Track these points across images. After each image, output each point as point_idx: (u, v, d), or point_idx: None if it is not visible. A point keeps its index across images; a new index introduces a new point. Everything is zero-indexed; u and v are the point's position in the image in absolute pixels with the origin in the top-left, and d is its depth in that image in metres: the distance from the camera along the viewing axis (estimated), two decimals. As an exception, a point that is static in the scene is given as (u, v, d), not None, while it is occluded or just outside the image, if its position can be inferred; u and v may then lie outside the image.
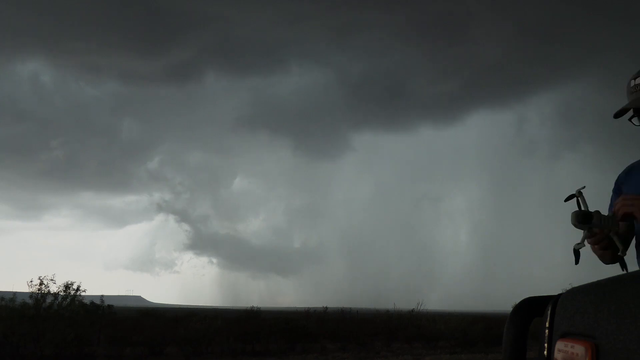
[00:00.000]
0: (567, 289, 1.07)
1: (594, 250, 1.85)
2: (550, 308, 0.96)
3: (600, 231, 1.72)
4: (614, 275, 1.27)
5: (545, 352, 0.93)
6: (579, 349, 0.84)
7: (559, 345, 0.89)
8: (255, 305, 21.94)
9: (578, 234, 1.76)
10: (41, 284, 15.17)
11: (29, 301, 14.95)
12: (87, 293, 16.06)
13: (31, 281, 15.21)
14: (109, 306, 16.60)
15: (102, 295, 16.73)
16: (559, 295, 0.97)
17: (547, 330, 0.94)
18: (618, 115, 1.97)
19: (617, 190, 2.09)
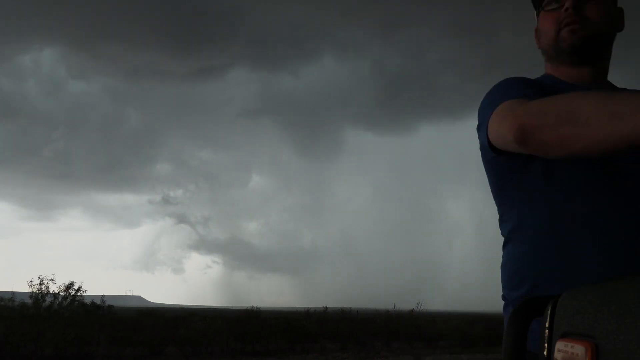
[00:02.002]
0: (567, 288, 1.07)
1: None
2: (550, 308, 0.95)
3: None
4: (614, 275, 1.27)
5: (545, 352, 0.93)
6: (579, 349, 0.84)
7: (559, 345, 0.89)
8: (255, 305, 21.99)
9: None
10: (41, 283, 15.22)
11: (29, 301, 14.98)
12: (88, 293, 16.10)
13: (31, 281, 15.26)
14: (109, 306, 16.61)
15: (103, 295, 16.75)
16: (559, 295, 0.97)
17: (547, 330, 0.94)
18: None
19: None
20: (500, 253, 1.53)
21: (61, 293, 15.35)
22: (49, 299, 15.16)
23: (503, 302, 1.46)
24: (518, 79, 1.34)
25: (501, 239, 1.54)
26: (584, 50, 1.32)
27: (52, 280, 15.31)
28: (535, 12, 1.45)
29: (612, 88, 1.39)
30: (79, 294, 15.59)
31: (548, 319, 0.94)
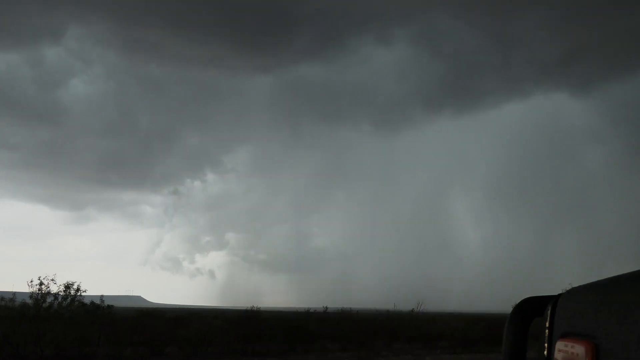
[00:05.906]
0: (567, 289, 1.07)
1: None
2: (550, 308, 0.96)
3: None
4: (614, 275, 1.27)
5: (545, 352, 0.93)
6: (579, 349, 0.84)
7: (559, 345, 0.89)
8: (255, 305, 21.93)
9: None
10: (41, 284, 15.19)
11: (29, 301, 14.96)
12: (88, 293, 16.08)
13: (31, 281, 15.24)
14: (109, 306, 16.58)
15: (101, 295, 16.71)
16: (559, 295, 0.97)
17: (547, 330, 0.94)
18: None
19: None
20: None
21: (61, 293, 15.35)
22: (49, 300, 15.16)
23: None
24: None
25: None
26: None
27: (52, 280, 15.31)
28: None
29: None
30: (78, 294, 15.59)
31: (548, 319, 0.94)
